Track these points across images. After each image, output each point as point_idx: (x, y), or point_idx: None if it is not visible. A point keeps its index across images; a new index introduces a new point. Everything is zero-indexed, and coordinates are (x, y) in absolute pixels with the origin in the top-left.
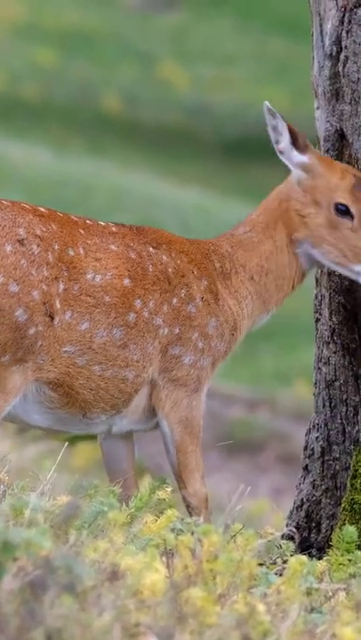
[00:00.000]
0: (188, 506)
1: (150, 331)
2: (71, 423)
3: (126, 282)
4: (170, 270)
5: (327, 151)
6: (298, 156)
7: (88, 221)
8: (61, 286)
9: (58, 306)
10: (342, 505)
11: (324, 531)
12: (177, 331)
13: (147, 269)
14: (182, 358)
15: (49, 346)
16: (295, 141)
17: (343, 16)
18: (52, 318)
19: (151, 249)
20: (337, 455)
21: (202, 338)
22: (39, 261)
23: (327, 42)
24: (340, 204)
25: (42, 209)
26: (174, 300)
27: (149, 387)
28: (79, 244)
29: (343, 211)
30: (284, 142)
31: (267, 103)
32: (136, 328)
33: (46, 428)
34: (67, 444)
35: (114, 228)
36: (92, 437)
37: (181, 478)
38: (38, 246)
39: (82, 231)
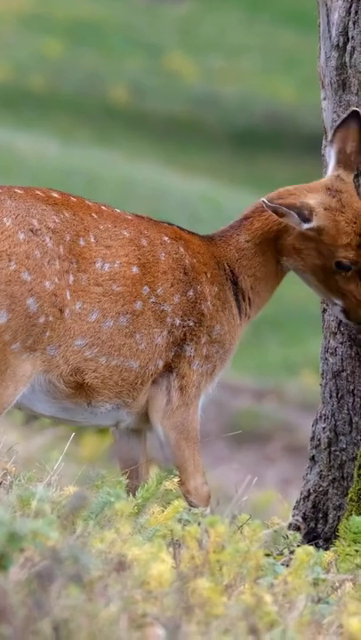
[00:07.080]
0: (189, 504)
1: (158, 319)
2: (76, 412)
3: (135, 269)
4: (187, 262)
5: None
6: (307, 226)
7: (103, 207)
8: (71, 278)
9: (68, 297)
10: (349, 495)
11: (331, 521)
12: (191, 324)
13: (158, 257)
14: (188, 359)
15: (59, 338)
16: (300, 214)
17: (350, 6)
18: (61, 311)
19: (167, 238)
20: (344, 446)
21: (206, 342)
22: (51, 254)
23: (334, 32)
24: (342, 263)
25: (55, 194)
26: (190, 293)
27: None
28: (90, 232)
29: (343, 266)
30: (295, 220)
31: (264, 200)
32: (143, 316)
33: (50, 417)
34: (73, 434)
35: (129, 216)
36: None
37: (181, 480)
38: (51, 239)
39: (95, 215)
